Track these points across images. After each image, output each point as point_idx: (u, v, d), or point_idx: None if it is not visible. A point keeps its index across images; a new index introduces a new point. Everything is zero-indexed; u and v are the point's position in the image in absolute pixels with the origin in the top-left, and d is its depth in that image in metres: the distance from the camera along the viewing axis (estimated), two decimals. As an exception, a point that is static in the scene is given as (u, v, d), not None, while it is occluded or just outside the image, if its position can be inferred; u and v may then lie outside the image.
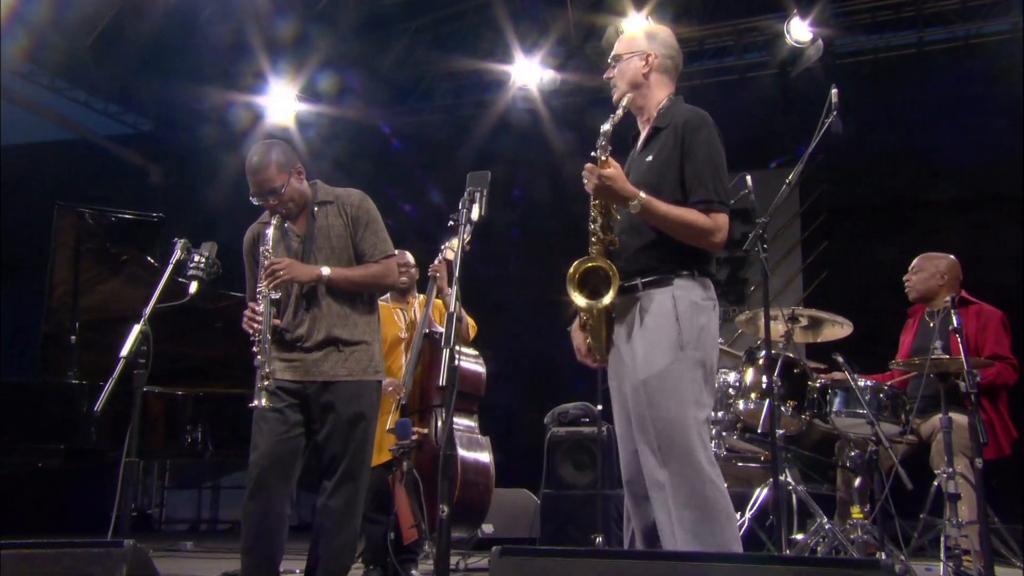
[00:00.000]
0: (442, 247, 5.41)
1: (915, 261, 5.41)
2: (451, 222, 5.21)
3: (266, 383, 3.77)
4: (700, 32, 9.33)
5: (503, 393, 6.97)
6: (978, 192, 8.83)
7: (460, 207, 3.20)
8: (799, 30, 8.39)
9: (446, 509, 2.92)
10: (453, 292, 3.04)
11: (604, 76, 3.45)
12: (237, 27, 9.25)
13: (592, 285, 3.16)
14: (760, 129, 8.77)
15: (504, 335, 8.24)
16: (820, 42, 8.42)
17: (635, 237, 3.20)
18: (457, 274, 3.08)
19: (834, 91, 4.11)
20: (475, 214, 3.19)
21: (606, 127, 3.13)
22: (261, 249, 3.95)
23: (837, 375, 4.96)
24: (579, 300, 3.16)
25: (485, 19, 9.56)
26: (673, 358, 3.06)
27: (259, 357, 3.79)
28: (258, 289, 3.89)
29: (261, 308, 3.85)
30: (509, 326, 9.12)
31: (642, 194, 3.04)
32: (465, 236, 3.18)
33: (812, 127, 4.12)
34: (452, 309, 3.00)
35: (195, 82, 10.14)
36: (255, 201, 3.99)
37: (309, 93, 10.08)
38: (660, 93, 3.36)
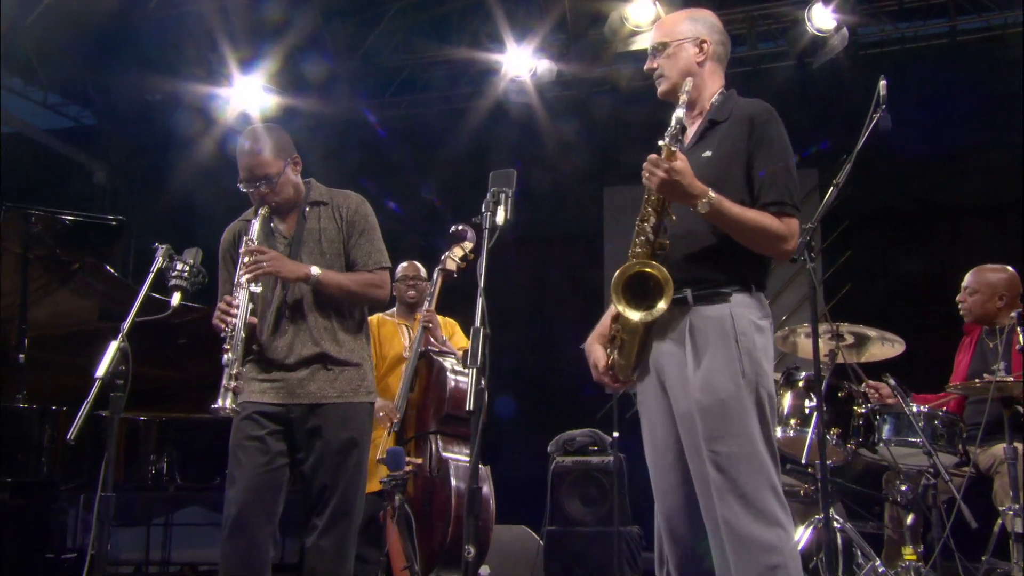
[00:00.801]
0: (443, 256, 5.36)
1: (967, 279, 5.24)
2: (453, 228, 5.17)
3: (233, 384, 3.65)
4: (709, 20, 9.26)
5: (498, 416, 6.87)
6: (1012, 197, 8.83)
7: (483, 210, 3.10)
8: (821, 17, 8.32)
9: (472, 550, 2.85)
10: (479, 304, 2.95)
11: (646, 67, 3.35)
12: (199, 8, 9.11)
13: (637, 294, 3.01)
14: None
15: (500, 347, 8.12)
16: (845, 31, 8.34)
17: (687, 242, 3.08)
18: (483, 284, 2.98)
19: (882, 83, 4.07)
20: (500, 218, 3.11)
21: (679, 113, 3.01)
22: (244, 239, 3.85)
23: (883, 390, 4.88)
24: (630, 313, 3.01)
25: (475, 2, 9.48)
26: (735, 386, 2.97)
27: (229, 355, 3.67)
28: (236, 280, 3.79)
29: (237, 301, 3.73)
30: (506, 337, 8.98)
31: (712, 192, 2.93)
32: (489, 243, 3.09)
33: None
34: (478, 323, 2.92)
35: (147, 70, 9.95)
36: (243, 188, 3.92)
37: (281, 81, 9.93)
38: (713, 84, 3.29)
